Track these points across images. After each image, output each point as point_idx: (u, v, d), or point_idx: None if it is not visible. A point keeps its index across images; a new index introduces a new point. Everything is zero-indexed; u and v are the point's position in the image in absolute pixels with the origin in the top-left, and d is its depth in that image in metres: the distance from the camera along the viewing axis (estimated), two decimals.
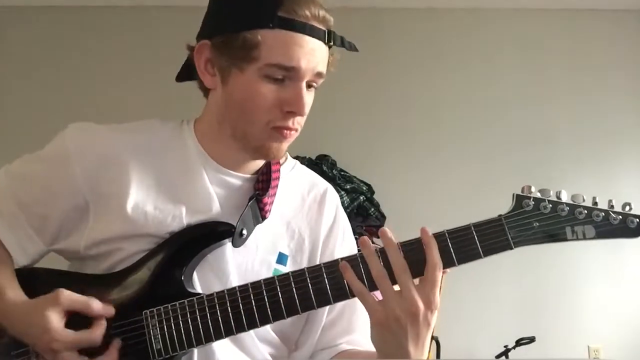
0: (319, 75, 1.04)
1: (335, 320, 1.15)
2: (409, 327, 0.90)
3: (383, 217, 3.42)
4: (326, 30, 1.03)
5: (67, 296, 0.97)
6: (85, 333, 0.97)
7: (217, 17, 1.06)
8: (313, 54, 1.01)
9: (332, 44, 1.04)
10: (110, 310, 1.00)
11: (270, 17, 0.98)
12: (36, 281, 1.05)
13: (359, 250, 0.97)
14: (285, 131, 1.04)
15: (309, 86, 1.04)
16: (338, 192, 3.31)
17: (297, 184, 1.19)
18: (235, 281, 1.04)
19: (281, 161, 1.17)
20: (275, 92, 1.01)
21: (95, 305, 0.99)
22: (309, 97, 1.04)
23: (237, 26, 1.00)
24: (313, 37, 1.00)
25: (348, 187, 3.38)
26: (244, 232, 1.06)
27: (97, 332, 0.97)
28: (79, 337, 0.96)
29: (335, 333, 1.14)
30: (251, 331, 1.04)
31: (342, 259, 0.96)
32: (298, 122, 1.05)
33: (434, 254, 0.92)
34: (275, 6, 0.98)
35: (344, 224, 1.21)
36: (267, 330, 1.09)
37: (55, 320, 0.95)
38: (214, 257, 1.06)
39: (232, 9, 1.03)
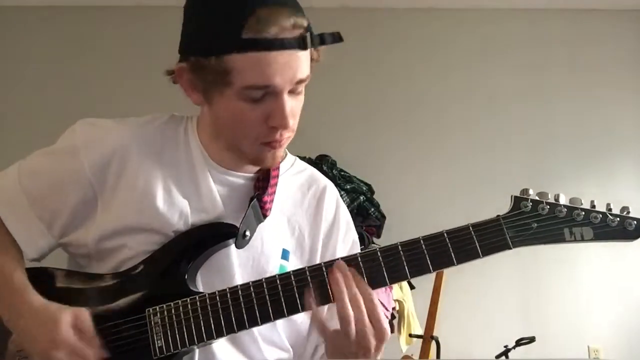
0: (300, 82, 1.00)
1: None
2: (359, 355, 0.95)
3: (383, 217, 3.42)
4: (300, 37, 0.96)
5: (87, 318, 0.98)
6: (84, 347, 0.96)
7: (190, 37, 1.02)
8: (288, 66, 0.96)
9: (309, 48, 0.98)
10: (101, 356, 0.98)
11: (235, 41, 0.94)
12: (43, 280, 1.06)
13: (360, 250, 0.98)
14: (275, 143, 1.03)
15: (293, 91, 1.01)
16: (338, 192, 3.34)
17: (296, 180, 1.19)
18: (240, 280, 1.05)
19: None
20: (258, 110, 0.99)
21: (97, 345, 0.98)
22: (295, 102, 1.01)
23: (206, 51, 0.97)
24: (285, 49, 0.95)
25: (348, 187, 3.38)
26: (247, 233, 1.06)
27: (92, 352, 0.97)
28: (78, 344, 0.96)
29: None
30: (255, 334, 1.05)
31: (342, 258, 0.97)
32: (288, 130, 1.03)
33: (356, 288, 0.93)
34: (239, 28, 0.93)
35: (346, 220, 1.21)
36: (273, 331, 1.09)
37: (66, 320, 0.96)
38: (218, 257, 1.07)
39: (201, 31, 1.00)
